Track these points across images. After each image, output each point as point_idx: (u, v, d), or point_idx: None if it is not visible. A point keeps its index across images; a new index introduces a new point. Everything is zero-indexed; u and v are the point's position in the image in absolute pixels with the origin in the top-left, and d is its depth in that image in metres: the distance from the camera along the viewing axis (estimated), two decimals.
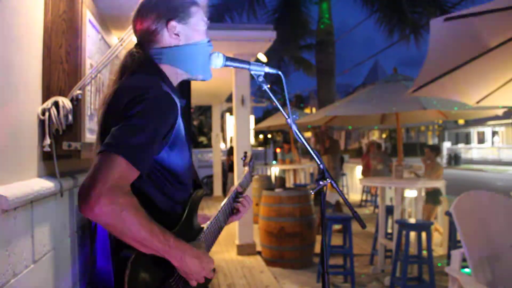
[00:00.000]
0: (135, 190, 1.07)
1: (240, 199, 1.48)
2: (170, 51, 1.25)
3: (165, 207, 1.17)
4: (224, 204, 1.42)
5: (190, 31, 1.26)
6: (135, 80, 1.17)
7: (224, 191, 10.58)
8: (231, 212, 1.46)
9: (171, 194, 1.19)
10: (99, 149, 1.02)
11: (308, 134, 22.82)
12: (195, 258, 1.10)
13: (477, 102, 3.92)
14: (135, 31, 1.29)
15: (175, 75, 1.28)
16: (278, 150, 10.27)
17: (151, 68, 1.23)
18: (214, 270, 1.20)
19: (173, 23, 1.23)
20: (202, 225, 1.32)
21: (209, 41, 1.31)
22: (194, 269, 1.10)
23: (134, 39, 1.35)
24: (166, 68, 1.25)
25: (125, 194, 0.99)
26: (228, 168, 9.96)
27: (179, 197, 1.22)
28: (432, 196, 5.84)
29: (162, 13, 1.23)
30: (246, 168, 1.65)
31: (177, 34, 1.24)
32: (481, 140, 34.88)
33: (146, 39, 1.26)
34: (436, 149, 6.48)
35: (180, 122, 1.18)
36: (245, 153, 1.71)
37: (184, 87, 1.35)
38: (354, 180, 10.91)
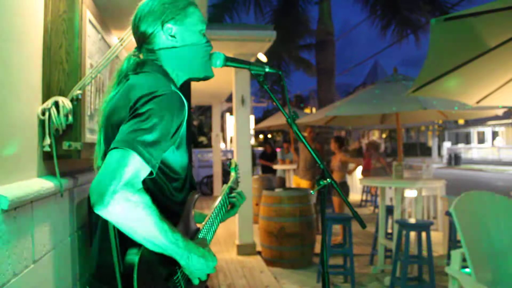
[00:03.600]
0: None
1: (234, 194, 1.56)
2: (168, 53, 1.26)
3: (165, 206, 1.17)
4: (217, 204, 1.44)
5: (187, 32, 1.27)
6: (143, 79, 1.17)
7: None
8: (227, 209, 1.50)
9: (171, 194, 1.19)
10: (111, 145, 1.01)
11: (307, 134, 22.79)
12: (201, 257, 1.11)
13: (477, 102, 3.92)
14: (134, 34, 1.30)
15: (176, 77, 1.29)
16: (282, 147, 10.37)
17: (154, 67, 1.24)
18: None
19: (168, 25, 1.25)
20: (198, 225, 1.33)
21: (207, 41, 1.31)
22: (199, 268, 1.11)
23: (134, 39, 1.35)
24: (166, 70, 1.27)
25: (139, 192, 0.98)
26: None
27: (178, 197, 1.22)
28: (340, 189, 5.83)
29: (158, 16, 1.24)
30: (232, 173, 1.69)
31: (173, 36, 1.25)
32: (481, 140, 34.88)
33: (144, 42, 1.28)
34: (339, 140, 6.32)
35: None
36: (230, 160, 1.78)
37: (184, 87, 1.35)
38: (354, 180, 10.91)
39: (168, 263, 1.10)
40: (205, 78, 1.33)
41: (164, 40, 1.25)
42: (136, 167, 0.98)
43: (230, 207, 1.55)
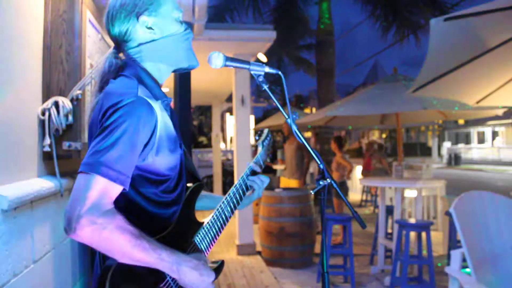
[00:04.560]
0: (122, 197, 1.06)
1: (254, 178, 1.42)
2: (148, 47, 1.21)
3: (153, 210, 1.15)
4: (230, 194, 1.37)
5: (164, 21, 1.21)
6: (113, 87, 1.13)
7: (224, 191, 10.58)
8: (243, 194, 1.38)
9: (158, 197, 1.16)
10: (79, 168, 1.00)
11: (308, 134, 22.81)
12: (194, 270, 1.08)
13: (477, 102, 3.92)
14: (109, 36, 1.24)
15: (158, 71, 1.24)
16: (282, 147, 10.36)
17: (131, 69, 1.19)
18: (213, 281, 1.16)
19: (143, 17, 1.19)
20: (202, 220, 1.30)
21: (186, 29, 1.26)
22: (193, 281, 1.08)
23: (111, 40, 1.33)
24: (148, 66, 1.22)
25: (104, 213, 0.97)
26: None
27: (170, 197, 1.19)
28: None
29: (130, 9, 1.18)
30: (259, 148, 1.55)
31: (151, 28, 1.20)
32: (481, 140, 34.87)
33: (120, 41, 1.22)
34: (339, 140, 6.20)
35: (165, 122, 1.15)
36: (261, 131, 1.60)
37: (184, 87, 1.34)
38: (354, 180, 10.91)
39: (152, 272, 1.07)
40: (190, 68, 1.29)
41: (142, 34, 1.20)
42: (101, 189, 0.97)
43: (251, 192, 1.44)
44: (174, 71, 1.31)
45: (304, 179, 6.56)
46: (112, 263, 1.03)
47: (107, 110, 1.04)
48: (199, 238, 1.25)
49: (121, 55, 1.26)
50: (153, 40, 1.20)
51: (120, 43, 1.23)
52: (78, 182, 0.98)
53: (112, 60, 1.21)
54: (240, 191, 1.39)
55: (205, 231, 1.27)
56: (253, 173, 1.44)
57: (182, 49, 1.25)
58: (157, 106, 1.13)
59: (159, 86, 1.23)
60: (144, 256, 1.00)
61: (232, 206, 1.34)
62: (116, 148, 0.99)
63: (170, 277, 1.12)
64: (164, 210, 1.18)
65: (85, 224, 0.94)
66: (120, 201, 1.05)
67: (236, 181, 1.42)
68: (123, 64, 1.21)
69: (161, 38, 1.21)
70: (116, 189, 1.00)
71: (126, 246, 0.98)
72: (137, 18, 1.19)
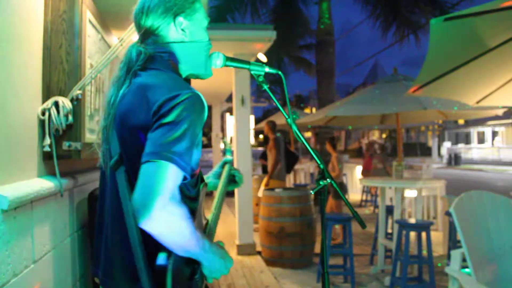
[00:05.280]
0: None
1: (234, 172, 1.62)
2: (175, 48, 1.22)
3: (186, 204, 1.18)
4: (219, 194, 1.44)
5: (195, 27, 1.25)
6: (159, 79, 1.13)
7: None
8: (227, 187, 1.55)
9: (188, 191, 1.18)
10: (147, 157, 1.00)
11: (308, 134, 22.83)
12: (221, 259, 1.14)
13: (477, 102, 3.92)
14: (138, 26, 1.25)
15: (181, 71, 1.26)
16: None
17: (164, 63, 1.20)
18: None
19: (180, 18, 1.22)
20: (207, 217, 1.34)
21: (209, 39, 1.30)
22: (218, 268, 1.14)
23: (134, 39, 1.33)
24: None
25: (180, 204, 1.01)
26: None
27: (192, 192, 1.21)
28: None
29: (169, 8, 1.20)
30: (228, 156, 1.72)
31: (183, 30, 1.22)
32: (481, 140, 34.87)
33: (150, 34, 1.22)
34: (333, 141, 6.21)
35: None
36: (223, 138, 1.80)
37: None
38: (354, 180, 10.91)
39: (191, 262, 1.11)
40: (205, 76, 1.32)
41: (173, 33, 1.22)
42: (175, 178, 1.00)
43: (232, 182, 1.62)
44: (187, 76, 1.32)
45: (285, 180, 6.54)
46: (163, 262, 1.04)
47: (165, 102, 1.04)
48: (208, 230, 1.29)
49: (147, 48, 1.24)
50: (181, 42, 1.23)
51: (148, 35, 1.23)
52: (151, 170, 0.99)
53: (140, 49, 1.21)
54: (227, 186, 1.52)
55: (211, 225, 1.31)
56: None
57: (204, 57, 1.28)
58: None
59: None
60: (196, 246, 1.04)
61: (221, 206, 1.44)
62: (184, 140, 1.02)
63: (199, 270, 1.14)
64: (193, 204, 1.20)
65: (166, 213, 0.96)
66: None
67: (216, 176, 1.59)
68: (152, 57, 1.20)
69: (190, 42, 1.24)
70: (181, 179, 1.03)
71: (188, 235, 1.01)
72: (174, 17, 1.21)
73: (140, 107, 1.09)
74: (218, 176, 1.61)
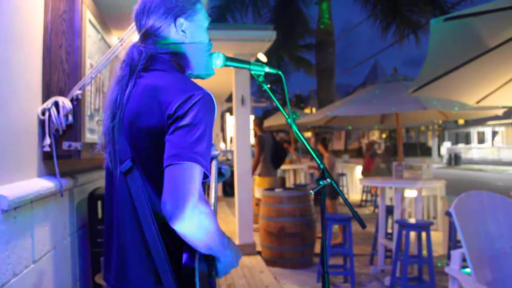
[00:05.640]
0: None
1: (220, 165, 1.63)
2: (176, 48, 1.22)
3: None
4: (214, 188, 1.45)
5: (196, 28, 1.25)
6: (166, 80, 1.13)
7: (224, 191, 10.58)
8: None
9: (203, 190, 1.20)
10: (172, 160, 1.00)
11: (308, 134, 22.83)
12: (235, 253, 1.17)
13: (477, 102, 3.92)
14: (139, 26, 1.25)
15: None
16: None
17: (167, 64, 1.20)
18: None
19: (181, 19, 1.22)
20: None
21: (209, 40, 1.31)
22: (230, 263, 1.15)
23: (134, 39, 1.33)
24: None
25: (207, 202, 1.02)
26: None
27: (201, 190, 1.22)
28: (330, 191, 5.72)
29: (170, 9, 1.20)
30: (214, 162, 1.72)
31: (183, 31, 1.22)
32: (481, 140, 34.88)
33: (150, 35, 1.22)
34: (325, 142, 6.26)
35: None
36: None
37: None
38: (354, 180, 10.91)
39: (208, 259, 1.12)
40: (206, 76, 1.32)
41: (174, 35, 1.22)
42: (200, 178, 1.02)
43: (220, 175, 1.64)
44: (188, 76, 1.31)
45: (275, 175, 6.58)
46: (190, 262, 1.04)
47: (181, 104, 1.05)
48: None
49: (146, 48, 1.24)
50: (182, 43, 1.23)
51: (148, 36, 1.23)
52: (178, 172, 1.00)
53: (141, 49, 1.20)
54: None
55: None
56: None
57: (205, 57, 1.29)
58: None
59: None
60: (219, 243, 1.06)
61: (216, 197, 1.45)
62: (204, 141, 1.04)
63: (215, 266, 1.15)
64: None
65: (198, 213, 0.98)
66: None
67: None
68: (153, 57, 1.20)
69: (190, 43, 1.24)
70: (203, 178, 1.05)
71: (214, 233, 1.03)
72: (175, 19, 1.21)
73: (150, 109, 1.09)
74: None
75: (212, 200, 1.36)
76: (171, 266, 1.07)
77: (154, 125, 1.07)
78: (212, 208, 1.34)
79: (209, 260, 1.11)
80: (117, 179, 1.16)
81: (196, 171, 1.01)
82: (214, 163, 1.61)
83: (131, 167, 1.11)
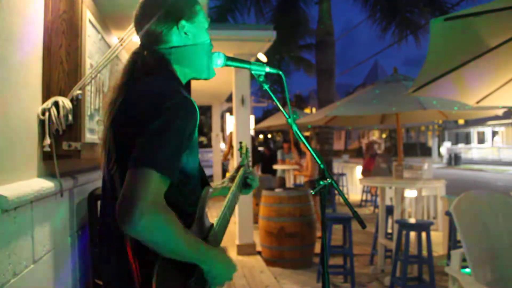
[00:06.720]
0: None
1: (248, 175, 1.61)
2: (179, 51, 1.23)
3: (182, 210, 1.16)
4: (230, 197, 1.41)
5: (197, 30, 1.25)
6: (154, 86, 1.14)
7: None
8: (240, 191, 1.54)
9: (186, 197, 1.18)
10: (132, 164, 1.01)
11: (308, 134, 22.82)
12: (223, 263, 1.15)
13: (477, 102, 3.92)
14: (139, 30, 1.24)
15: (183, 76, 1.26)
16: (282, 147, 10.32)
17: (166, 71, 1.21)
18: None
19: (183, 22, 1.22)
20: (211, 222, 1.32)
21: (210, 40, 1.31)
22: (220, 274, 1.14)
23: (134, 39, 1.33)
24: (175, 69, 1.24)
25: (165, 209, 1.01)
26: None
27: (193, 198, 1.22)
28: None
29: (171, 12, 1.21)
30: (243, 157, 1.70)
31: (186, 34, 1.23)
32: (481, 140, 34.88)
33: (152, 39, 1.22)
34: (296, 144, 6.45)
35: None
36: (240, 143, 1.74)
37: (185, 87, 1.34)
38: (354, 180, 10.91)
39: (185, 266, 1.10)
40: (208, 77, 1.32)
41: (176, 38, 1.22)
42: (158, 184, 1.00)
43: (245, 187, 1.61)
44: (191, 78, 1.32)
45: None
46: (152, 259, 1.03)
47: (154, 108, 1.05)
48: (212, 236, 1.28)
49: (148, 54, 1.24)
50: (185, 45, 1.23)
51: (151, 41, 1.23)
52: (134, 176, 1.00)
53: (143, 56, 1.21)
54: (238, 194, 1.49)
55: (215, 230, 1.30)
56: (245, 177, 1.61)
57: (207, 58, 1.29)
58: None
59: (184, 88, 1.25)
60: (187, 249, 1.04)
61: (232, 209, 1.42)
62: (168, 146, 1.03)
63: (196, 273, 1.14)
64: (188, 211, 1.19)
65: (148, 219, 0.96)
66: None
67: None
68: (153, 63, 1.21)
69: (193, 45, 1.24)
70: (166, 185, 1.04)
71: (178, 242, 1.02)
72: (176, 22, 1.21)
73: (133, 114, 1.10)
74: (233, 180, 1.59)
75: (222, 208, 1.33)
76: (138, 268, 1.07)
77: (132, 129, 1.08)
78: (221, 215, 1.32)
79: (189, 267, 1.10)
80: (107, 179, 1.19)
81: (150, 177, 0.99)
82: (240, 172, 1.60)
83: (116, 168, 1.12)
